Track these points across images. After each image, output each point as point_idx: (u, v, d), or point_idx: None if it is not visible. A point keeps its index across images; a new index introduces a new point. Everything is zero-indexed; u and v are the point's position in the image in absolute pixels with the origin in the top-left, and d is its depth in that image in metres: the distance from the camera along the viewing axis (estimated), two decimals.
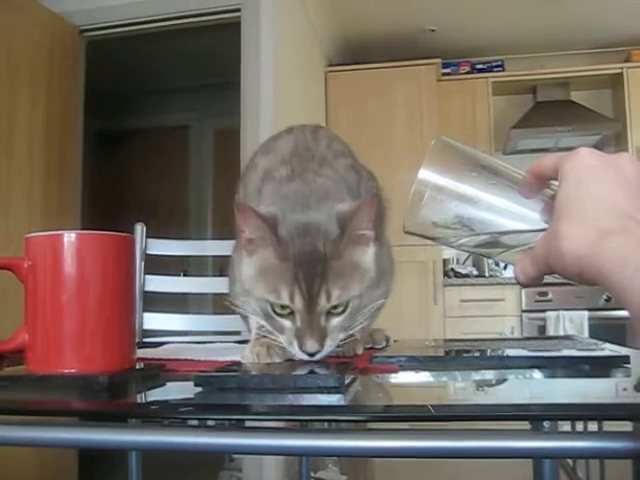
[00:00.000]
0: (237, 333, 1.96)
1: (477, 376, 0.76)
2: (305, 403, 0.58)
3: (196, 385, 0.62)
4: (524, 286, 0.60)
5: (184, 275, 2.11)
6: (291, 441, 0.53)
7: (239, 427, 0.57)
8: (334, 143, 1.03)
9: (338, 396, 0.59)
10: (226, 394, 0.61)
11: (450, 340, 1.42)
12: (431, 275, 4.39)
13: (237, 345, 1.19)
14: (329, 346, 0.79)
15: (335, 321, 0.80)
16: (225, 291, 1.53)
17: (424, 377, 0.78)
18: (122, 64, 4.86)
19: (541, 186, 0.59)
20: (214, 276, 2.09)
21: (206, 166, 5.81)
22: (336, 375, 0.61)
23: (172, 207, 5.68)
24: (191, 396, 0.61)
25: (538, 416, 0.64)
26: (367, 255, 0.85)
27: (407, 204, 0.61)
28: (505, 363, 0.80)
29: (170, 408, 0.56)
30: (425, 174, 0.60)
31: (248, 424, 0.64)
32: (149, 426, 0.57)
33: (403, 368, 0.78)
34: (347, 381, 0.62)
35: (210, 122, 5.78)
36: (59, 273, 0.69)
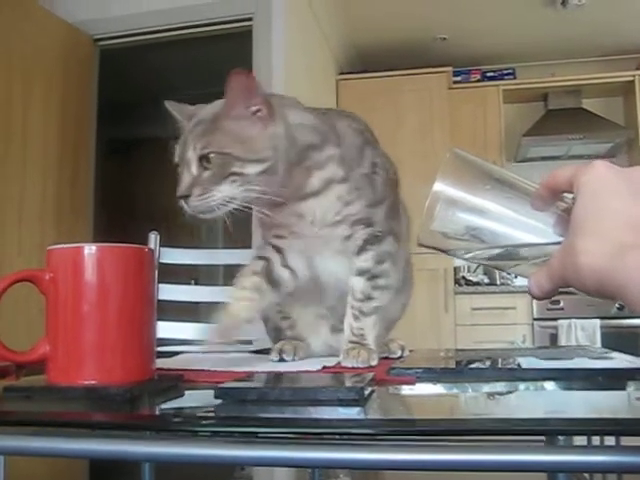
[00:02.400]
0: (249, 342, 1.96)
1: (493, 388, 0.76)
2: (325, 416, 0.58)
3: (216, 397, 0.62)
4: (538, 299, 0.61)
5: (195, 284, 2.11)
6: (303, 453, 0.54)
7: (251, 439, 0.57)
8: (355, 122, 1.07)
9: (358, 409, 0.59)
10: (246, 406, 0.61)
11: (464, 350, 1.42)
12: (442, 283, 4.38)
13: (252, 355, 1.19)
14: (198, 194, 0.89)
15: (205, 174, 0.89)
16: None
17: (440, 389, 0.78)
18: (135, 73, 4.88)
19: (554, 199, 0.59)
20: (225, 285, 2.10)
21: None
22: (356, 388, 0.61)
23: (183, 215, 5.68)
24: (211, 408, 0.61)
25: (556, 431, 0.64)
26: (263, 134, 0.91)
27: (421, 216, 0.62)
28: (520, 375, 0.80)
29: (192, 420, 0.57)
30: (440, 187, 0.61)
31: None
32: (165, 438, 0.57)
33: (420, 380, 0.79)
34: (366, 393, 0.62)
35: None
36: (80, 285, 0.70)
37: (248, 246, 3.15)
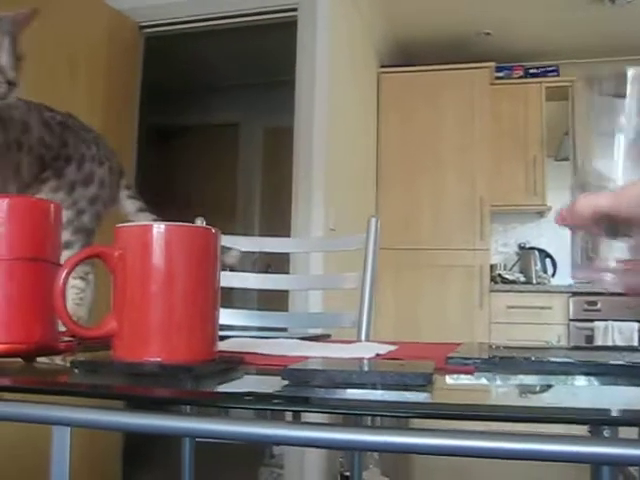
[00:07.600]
0: (284, 329, 1.98)
1: (551, 380, 0.76)
2: (393, 399, 0.58)
3: (283, 379, 0.63)
4: None
5: (230, 270, 2.13)
6: (340, 435, 0.54)
7: (288, 420, 0.57)
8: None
9: (425, 394, 0.59)
10: (313, 388, 0.62)
11: (513, 347, 1.41)
12: (478, 280, 4.35)
13: (300, 342, 1.20)
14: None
15: None
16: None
17: (498, 379, 0.77)
18: (178, 60, 4.92)
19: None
20: (260, 272, 2.12)
21: (255, 163, 5.86)
22: (424, 373, 0.62)
23: (220, 203, 5.73)
24: (278, 389, 0.62)
25: (622, 421, 0.64)
26: None
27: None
28: (585, 370, 0.79)
29: (264, 399, 0.57)
30: None
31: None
32: (211, 415, 0.58)
33: (478, 370, 0.79)
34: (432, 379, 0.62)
35: (260, 120, 5.82)
36: (148, 263, 0.71)
37: (287, 234, 3.17)
